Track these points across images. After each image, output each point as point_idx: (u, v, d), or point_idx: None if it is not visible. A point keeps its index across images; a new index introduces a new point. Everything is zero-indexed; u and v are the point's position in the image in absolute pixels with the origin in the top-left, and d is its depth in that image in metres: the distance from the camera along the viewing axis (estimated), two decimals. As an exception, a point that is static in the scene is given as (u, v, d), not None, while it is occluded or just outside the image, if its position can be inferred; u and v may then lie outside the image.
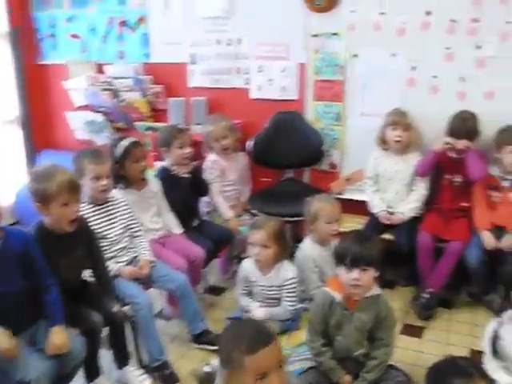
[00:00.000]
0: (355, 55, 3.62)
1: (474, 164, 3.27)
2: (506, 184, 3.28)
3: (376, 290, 2.41)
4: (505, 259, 3.15)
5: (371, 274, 2.32)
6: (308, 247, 3.05)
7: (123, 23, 4.37)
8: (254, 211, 3.67)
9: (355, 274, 2.29)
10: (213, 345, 2.93)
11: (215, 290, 3.65)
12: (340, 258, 2.34)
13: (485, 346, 2.39)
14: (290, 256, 3.07)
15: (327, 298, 2.42)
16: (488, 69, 3.34)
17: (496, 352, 2.30)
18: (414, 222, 3.41)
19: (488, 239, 3.17)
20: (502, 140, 3.26)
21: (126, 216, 2.96)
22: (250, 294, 2.99)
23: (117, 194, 3.00)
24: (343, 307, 2.40)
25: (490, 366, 2.32)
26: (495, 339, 2.30)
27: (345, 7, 3.59)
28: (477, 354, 2.77)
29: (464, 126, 3.30)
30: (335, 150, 3.85)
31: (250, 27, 3.92)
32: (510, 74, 3.31)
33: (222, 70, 4.12)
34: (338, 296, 2.39)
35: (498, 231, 3.20)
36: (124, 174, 3.09)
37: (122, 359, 2.71)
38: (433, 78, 3.47)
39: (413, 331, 3.12)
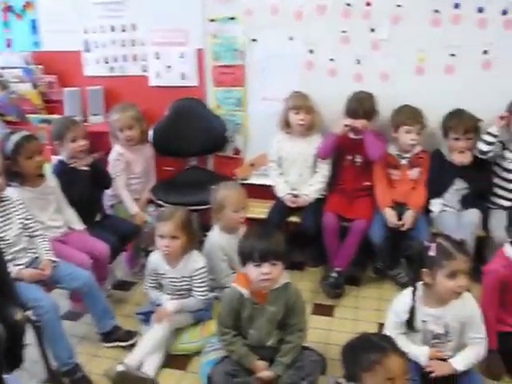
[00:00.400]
0: (254, 39, 3.60)
1: (371, 144, 3.36)
2: (403, 162, 3.40)
3: (284, 279, 2.43)
4: (406, 234, 3.28)
5: (280, 266, 2.34)
6: (216, 236, 3.03)
7: (8, 9, 4.09)
8: (159, 202, 3.58)
9: (266, 268, 2.30)
10: (124, 341, 2.86)
11: (124, 285, 3.54)
12: (247, 256, 2.34)
13: (390, 318, 2.46)
14: (199, 245, 3.04)
15: (235, 294, 2.42)
16: (382, 51, 3.43)
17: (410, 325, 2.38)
18: (319, 204, 3.47)
19: (390, 216, 3.28)
20: (398, 120, 3.36)
21: (23, 215, 2.79)
22: (159, 286, 2.93)
23: (11, 192, 2.80)
24: (253, 302, 2.41)
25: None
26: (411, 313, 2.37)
27: (242, -10, 3.55)
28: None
29: (361, 105, 3.37)
30: (238, 135, 3.83)
31: (145, 12, 3.80)
32: (403, 55, 3.41)
33: (118, 58, 3.98)
34: (246, 292, 2.41)
35: (399, 208, 3.32)
36: (18, 170, 2.90)
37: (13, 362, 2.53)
38: (330, 61, 3.52)
39: (323, 310, 3.18)
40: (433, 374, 2.27)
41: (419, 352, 2.33)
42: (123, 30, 3.90)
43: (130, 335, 2.89)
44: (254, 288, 2.40)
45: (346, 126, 3.37)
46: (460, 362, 2.31)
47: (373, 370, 1.80)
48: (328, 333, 2.97)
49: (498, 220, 3.00)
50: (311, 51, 3.53)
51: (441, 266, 2.24)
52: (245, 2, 3.55)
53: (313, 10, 3.44)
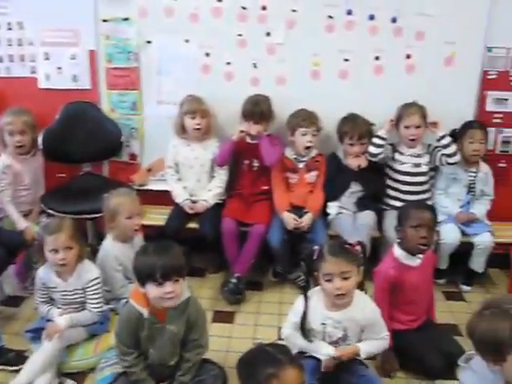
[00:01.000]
0: (149, 41, 3.47)
1: (266, 150, 3.35)
2: (301, 166, 3.44)
3: (185, 293, 2.34)
4: (304, 237, 3.31)
5: (182, 282, 2.25)
6: (109, 245, 2.91)
7: None
8: (50, 211, 3.37)
9: (169, 287, 2.19)
10: (13, 365, 2.64)
11: (13, 301, 3.29)
12: (147, 275, 2.19)
13: (289, 317, 2.47)
14: (93, 255, 2.90)
15: (134, 313, 2.30)
16: (278, 55, 3.44)
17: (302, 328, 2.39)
18: (218, 209, 3.43)
19: (288, 220, 3.29)
20: (293, 123, 3.39)
21: None
22: (50, 301, 2.76)
23: None
24: (152, 321, 2.30)
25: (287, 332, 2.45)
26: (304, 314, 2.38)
27: (135, -10, 3.43)
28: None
29: (257, 108, 3.36)
30: (134, 140, 3.69)
31: (32, 10, 3.56)
32: (298, 60, 3.44)
33: (3, 58, 3.72)
34: (144, 311, 2.28)
35: (298, 211, 3.34)
36: None
37: None
38: (227, 65, 3.48)
39: (224, 317, 3.12)
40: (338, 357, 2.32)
41: (321, 345, 2.35)
42: (9, 28, 3.66)
43: (20, 359, 2.66)
44: (154, 307, 2.28)
45: (242, 131, 3.35)
46: (364, 348, 2.36)
47: (269, 383, 1.76)
48: (229, 340, 2.93)
49: (391, 220, 3.08)
50: (207, 54, 3.47)
51: (320, 269, 2.30)
52: (139, 3, 3.42)
53: (208, 13, 3.39)
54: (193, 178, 3.48)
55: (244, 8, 3.37)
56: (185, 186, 3.47)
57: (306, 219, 3.30)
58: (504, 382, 1.81)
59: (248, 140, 3.41)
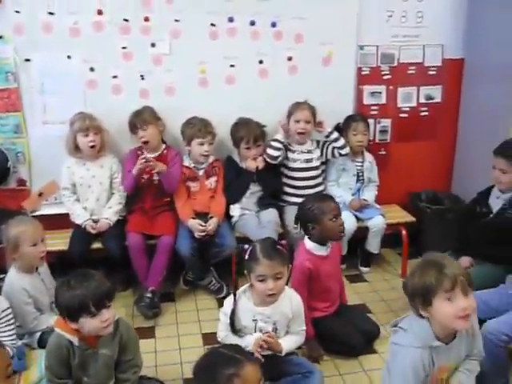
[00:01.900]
0: (27, 59, 3.28)
1: (166, 181, 3.37)
2: (200, 173, 3.48)
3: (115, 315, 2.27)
4: (212, 243, 3.35)
5: (112, 306, 2.18)
6: (14, 278, 2.74)
7: None
8: None
9: (105, 314, 2.12)
10: None
11: None
12: (78, 310, 2.09)
13: (221, 319, 2.51)
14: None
15: (63, 342, 2.19)
16: (165, 65, 3.45)
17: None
18: (120, 225, 3.36)
19: (194, 226, 3.31)
20: (189, 133, 3.42)
21: None
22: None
23: None
24: (84, 348, 2.20)
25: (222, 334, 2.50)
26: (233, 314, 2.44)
27: (8, 7, 3.20)
28: (209, 336, 2.93)
29: (138, 117, 3.34)
30: (21, 164, 3.45)
31: None
32: (185, 69, 3.47)
33: None
34: (74, 339, 2.18)
35: (202, 217, 3.38)
36: None
37: None
38: (113, 78, 3.41)
39: (144, 333, 3.05)
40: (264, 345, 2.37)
41: (251, 339, 2.41)
42: None
43: None
44: (84, 335, 2.18)
45: (143, 160, 3.29)
46: (285, 347, 2.45)
47: (231, 383, 1.77)
48: (155, 355, 2.89)
49: (292, 216, 3.23)
50: (92, 69, 3.37)
51: (252, 270, 2.37)
52: (13, 20, 3.21)
53: (89, 27, 3.30)
54: (92, 197, 3.38)
55: (126, 20, 3.33)
56: (84, 207, 3.35)
57: (212, 224, 3.34)
58: (432, 331, 1.98)
59: (147, 154, 3.38)
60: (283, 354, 2.45)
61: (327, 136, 3.54)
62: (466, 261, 2.94)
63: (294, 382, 2.47)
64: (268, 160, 3.49)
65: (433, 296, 1.92)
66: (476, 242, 2.96)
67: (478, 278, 2.69)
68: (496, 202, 2.96)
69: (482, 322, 2.60)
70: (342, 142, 3.53)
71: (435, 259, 1.99)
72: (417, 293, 1.97)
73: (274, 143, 3.48)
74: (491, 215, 2.95)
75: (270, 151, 3.48)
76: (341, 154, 3.56)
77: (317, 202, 2.86)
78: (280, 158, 3.51)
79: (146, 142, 3.38)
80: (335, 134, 3.53)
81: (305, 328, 2.56)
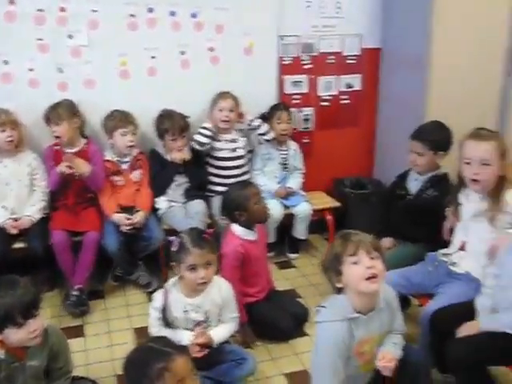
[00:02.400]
0: None
1: (90, 182, 3.31)
2: (124, 167, 3.43)
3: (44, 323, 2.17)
4: (139, 236, 3.32)
5: (40, 315, 2.07)
6: None
7: None
8: None
9: (33, 325, 2.01)
10: None
11: None
12: (4, 320, 1.96)
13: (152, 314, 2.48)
14: None
15: None
16: (83, 57, 3.36)
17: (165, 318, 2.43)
18: (44, 223, 3.25)
19: (120, 220, 3.27)
20: (110, 125, 3.37)
21: None
22: None
23: None
24: (10, 361, 2.08)
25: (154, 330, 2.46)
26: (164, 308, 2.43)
27: None
28: (141, 331, 2.91)
29: (53, 112, 3.25)
30: None
31: None
32: (105, 61, 3.40)
33: None
34: (1, 352, 2.06)
35: (128, 211, 3.33)
36: None
37: None
38: (29, 71, 3.29)
39: (73, 332, 2.96)
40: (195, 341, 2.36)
41: (181, 334, 2.40)
42: None
43: None
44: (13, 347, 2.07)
45: (66, 166, 3.21)
46: (215, 336, 2.45)
47: (162, 377, 1.74)
48: (86, 353, 2.82)
49: (218, 205, 3.23)
50: (6, 62, 3.23)
51: (181, 260, 2.37)
52: None
53: (1, 18, 3.15)
54: (11, 195, 3.23)
55: (41, 10, 3.21)
56: (3, 206, 3.20)
57: (139, 217, 3.30)
58: (349, 304, 2.03)
59: (66, 150, 3.29)
60: (215, 345, 2.44)
61: (249, 124, 3.58)
62: (387, 241, 3.05)
63: (228, 369, 2.48)
64: (196, 147, 3.50)
65: (341, 264, 1.99)
66: (397, 223, 3.07)
67: (401, 257, 2.87)
68: (414, 184, 3.07)
69: (404, 298, 2.75)
70: (265, 127, 3.61)
71: (344, 232, 2.07)
72: (329, 266, 2.05)
73: (202, 130, 3.50)
74: (410, 197, 3.07)
75: (198, 137, 3.49)
76: (266, 140, 3.64)
77: (238, 189, 2.90)
78: (208, 146, 3.52)
79: (57, 137, 3.28)
80: (257, 121, 3.59)
81: (237, 315, 2.58)
